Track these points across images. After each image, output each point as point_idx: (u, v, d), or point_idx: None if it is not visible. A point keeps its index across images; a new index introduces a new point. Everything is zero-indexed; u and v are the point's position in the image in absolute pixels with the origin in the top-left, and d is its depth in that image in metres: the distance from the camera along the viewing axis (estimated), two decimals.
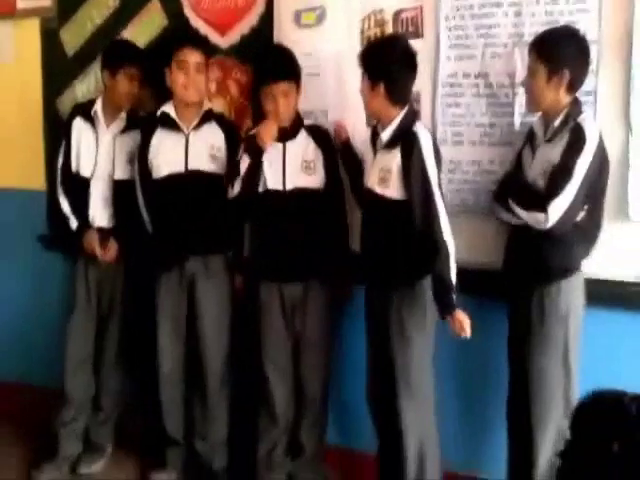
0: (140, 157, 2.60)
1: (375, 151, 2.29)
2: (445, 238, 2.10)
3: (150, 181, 2.59)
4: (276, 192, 2.44)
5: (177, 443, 2.72)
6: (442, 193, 2.16)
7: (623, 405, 0.89)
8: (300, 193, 2.45)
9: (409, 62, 2.20)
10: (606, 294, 2.21)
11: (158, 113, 2.58)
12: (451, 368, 2.49)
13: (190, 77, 2.49)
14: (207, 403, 2.63)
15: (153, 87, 2.77)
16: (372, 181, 2.26)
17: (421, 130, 2.17)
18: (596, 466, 0.86)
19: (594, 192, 2.05)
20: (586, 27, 2.17)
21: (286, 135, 2.46)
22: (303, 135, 2.48)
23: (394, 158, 2.17)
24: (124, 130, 2.72)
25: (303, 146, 2.47)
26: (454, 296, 2.08)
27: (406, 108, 2.22)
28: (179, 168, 2.54)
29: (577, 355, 2.13)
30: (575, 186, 1.98)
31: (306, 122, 2.52)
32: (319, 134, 2.50)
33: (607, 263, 2.20)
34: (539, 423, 2.12)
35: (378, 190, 2.22)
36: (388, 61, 2.17)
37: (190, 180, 2.54)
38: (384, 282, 2.28)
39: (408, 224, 2.14)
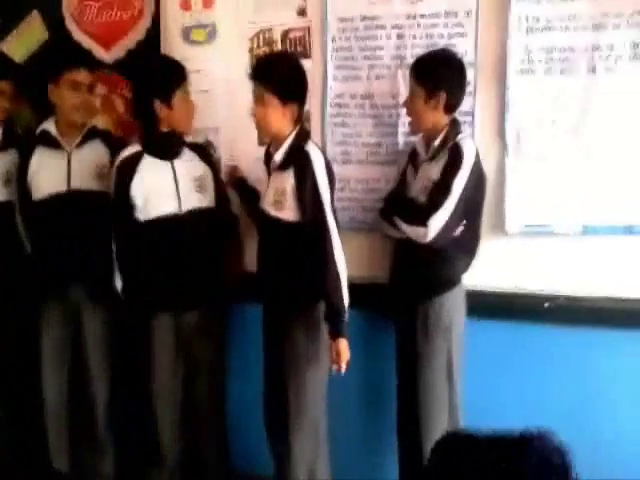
0: (19, 177, 2.47)
1: (269, 172, 2.24)
2: (336, 260, 2.07)
3: (30, 202, 2.45)
4: (172, 216, 2.29)
5: (63, 478, 2.58)
6: (335, 213, 2.13)
7: (477, 447, 0.87)
8: (195, 214, 2.32)
9: (301, 78, 2.16)
10: (486, 305, 2.28)
11: (38, 131, 2.46)
12: (340, 382, 2.45)
13: (81, 98, 2.41)
14: (95, 435, 2.52)
15: (31, 102, 2.65)
16: (267, 203, 2.20)
17: (313, 150, 2.14)
18: None
19: (472, 208, 2.12)
20: (464, 50, 2.26)
21: (172, 153, 2.34)
22: (187, 152, 2.37)
23: (288, 179, 2.12)
24: (0, 149, 2.57)
25: (191, 163, 2.36)
26: (343, 321, 2.06)
27: (297, 128, 2.18)
28: (61, 188, 2.42)
29: (460, 366, 2.20)
30: (453, 201, 2.05)
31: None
32: (200, 149, 2.42)
33: (486, 275, 2.27)
34: (427, 432, 2.17)
35: (273, 212, 2.17)
36: (282, 76, 2.11)
37: (72, 200, 2.42)
38: (279, 305, 2.24)
39: (302, 246, 2.11)
